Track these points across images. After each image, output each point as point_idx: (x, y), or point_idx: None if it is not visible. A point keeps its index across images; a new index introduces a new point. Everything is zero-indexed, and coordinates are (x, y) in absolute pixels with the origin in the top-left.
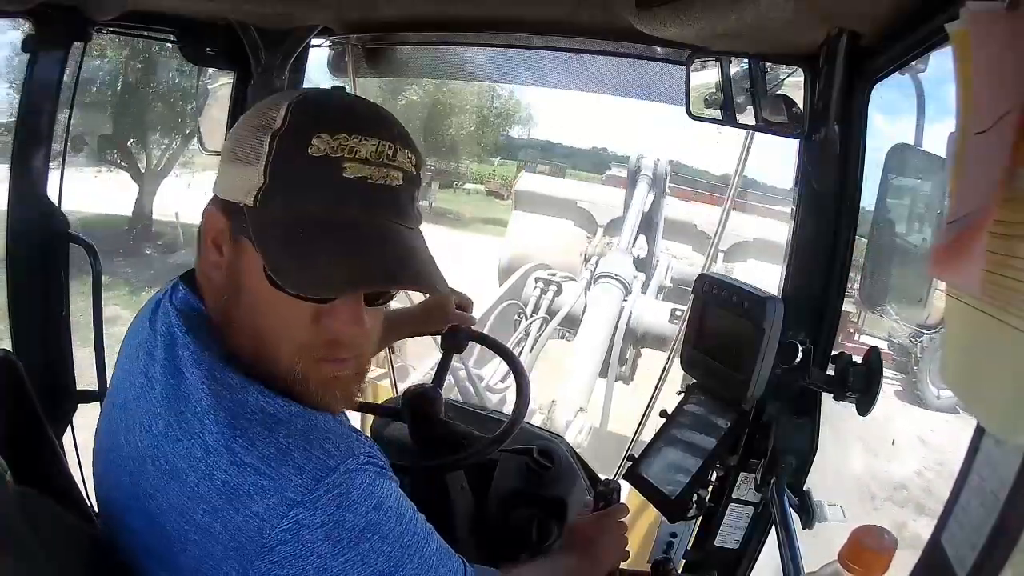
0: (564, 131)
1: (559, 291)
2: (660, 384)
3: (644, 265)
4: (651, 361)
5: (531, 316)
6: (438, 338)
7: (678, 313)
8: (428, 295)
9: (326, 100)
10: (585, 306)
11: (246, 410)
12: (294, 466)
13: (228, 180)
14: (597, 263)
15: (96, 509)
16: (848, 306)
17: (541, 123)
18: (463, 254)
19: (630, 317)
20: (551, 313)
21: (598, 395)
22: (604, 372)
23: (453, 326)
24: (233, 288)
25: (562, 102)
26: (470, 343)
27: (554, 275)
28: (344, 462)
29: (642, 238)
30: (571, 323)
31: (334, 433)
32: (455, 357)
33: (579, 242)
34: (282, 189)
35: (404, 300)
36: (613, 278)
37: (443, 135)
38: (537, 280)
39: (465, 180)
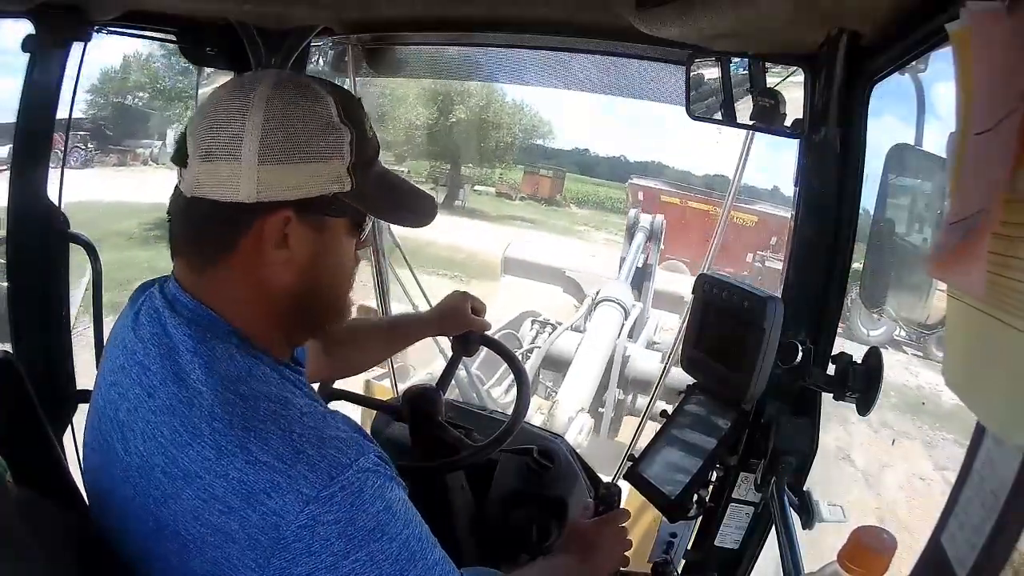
0: (564, 136)
1: (554, 331)
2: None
3: (636, 321)
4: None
5: (527, 353)
6: (440, 340)
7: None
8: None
9: (347, 93)
10: (585, 330)
11: (259, 413)
12: (308, 464)
13: (302, 179)
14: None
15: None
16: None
17: (543, 130)
18: (499, 241)
19: (624, 361)
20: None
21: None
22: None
23: (468, 332)
24: (315, 267)
25: (561, 108)
26: (481, 351)
27: (548, 319)
28: (356, 461)
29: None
30: (563, 366)
31: (345, 435)
32: (472, 364)
33: (567, 309)
34: (363, 168)
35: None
36: (614, 301)
37: (470, 148)
38: (533, 322)
39: (475, 183)
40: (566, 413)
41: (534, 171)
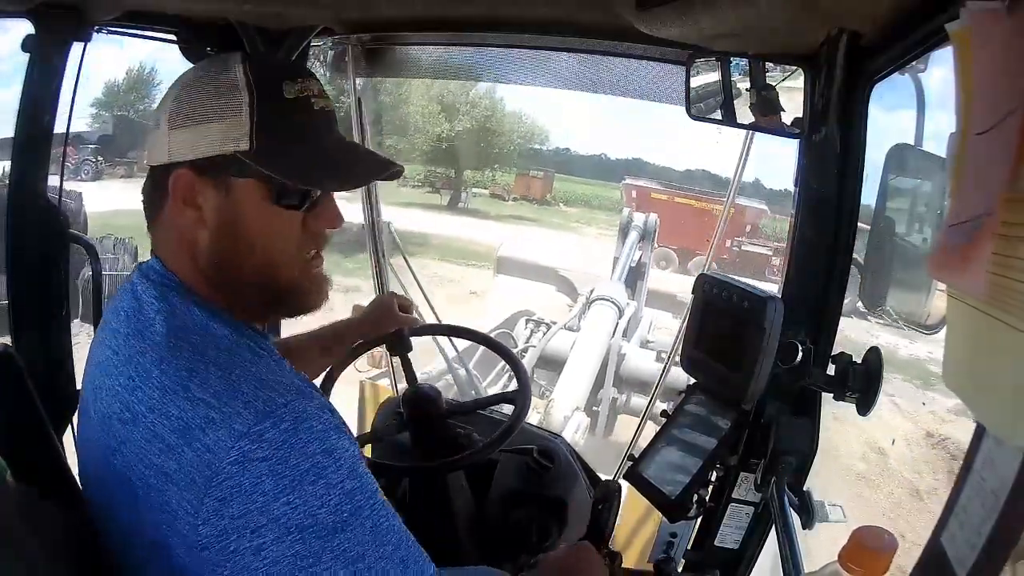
0: (556, 138)
1: (548, 331)
2: (657, 386)
3: (631, 320)
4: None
5: (522, 352)
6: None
7: (663, 355)
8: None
9: (268, 58)
10: (580, 328)
11: (204, 357)
12: (243, 400)
13: (198, 140)
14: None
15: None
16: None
17: (540, 135)
18: (507, 236)
19: (619, 359)
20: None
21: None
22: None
23: (398, 330)
24: (227, 227)
25: (550, 112)
26: (478, 349)
27: (543, 319)
28: (293, 401)
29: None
30: (558, 365)
31: (288, 381)
32: (455, 357)
33: (561, 308)
34: (270, 129)
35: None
36: (608, 300)
37: (475, 155)
38: (528, 321)
39: (471, 185)
40: (562, 412)
41: (525, 173)
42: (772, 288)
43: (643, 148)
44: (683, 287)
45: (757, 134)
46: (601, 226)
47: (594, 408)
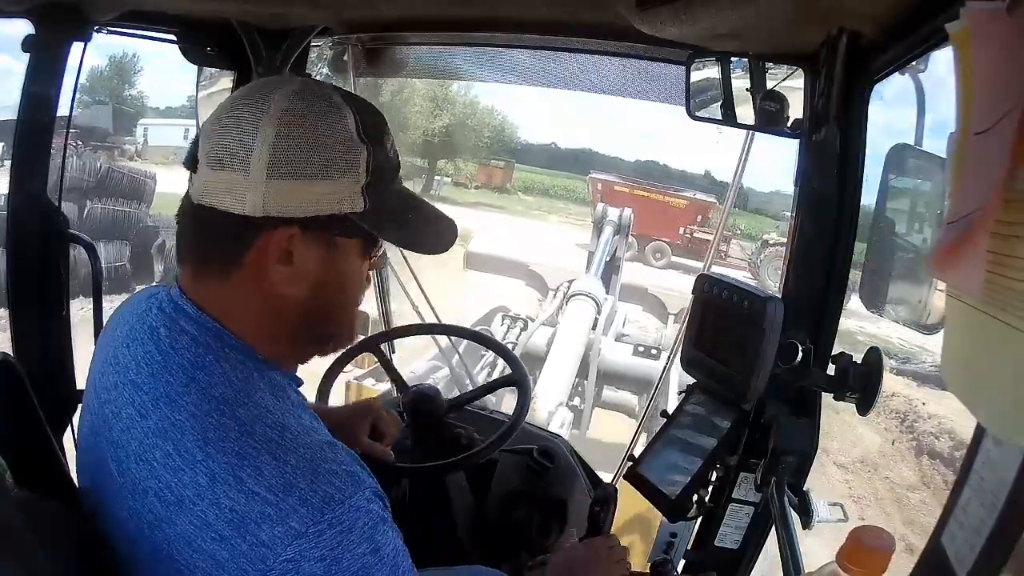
0: (516, 130)
1: (525, 327)
2: (658, 385)
3: (606, 312)
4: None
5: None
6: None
7: (640, 349)
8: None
9: (369, 108)
10: (558, 323)
11: (254, 439)
12: (300, 497)
13: (308, 195)
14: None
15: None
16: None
17: (509, 130)
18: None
19: (597, 354)
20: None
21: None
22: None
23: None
24: (328, 286)
25: (514, 106)
26: (461, 344)
27: (519, 314)
28: (350, 499)
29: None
30: (537, 361)
31: (341, 468)
32: (454, 357)
33: (532, 303)
34: (379, 188)
35: None
36: (586, 295)
37: (450, 148)
38: (504, 317)
39: (442, 174)
40: (546, 408)
41: (486, 163)
42: (723, 270)
43: (595, 140)
44: (653, 280)
45: (734, 133)
46: (562, 214)
47: (571, 403)
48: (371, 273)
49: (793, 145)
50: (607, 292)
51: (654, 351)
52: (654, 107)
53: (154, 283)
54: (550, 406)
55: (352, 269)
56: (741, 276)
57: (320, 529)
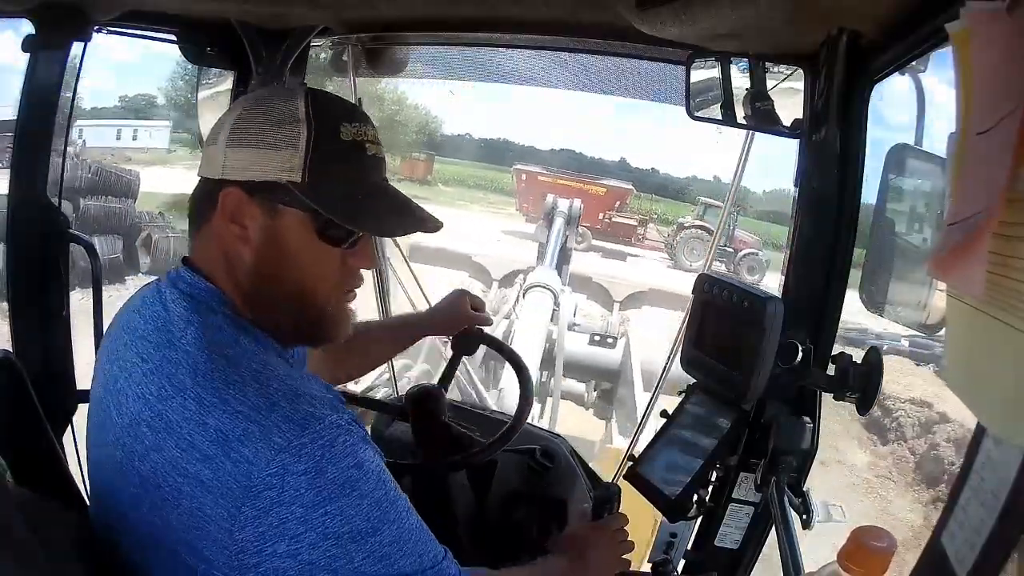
0: (438, 124)
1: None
2: (659, 384)
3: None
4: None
5: None
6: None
7: (596, 338)
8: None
9: (329, 97)
10: (517, 317)
11: (239, 370)
12: (282, 414)
13: (253, 162)
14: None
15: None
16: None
17: (433, 125)
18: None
19: (561, 347)
20: None
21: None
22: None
23: (467, 328)
24: (269, 248)
25: (437, 100)
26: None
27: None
28: (328, 416)
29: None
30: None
31: (320, 394)
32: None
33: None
34: (323, 166)
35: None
36: (544, 287)
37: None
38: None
39: None
40: (513, 402)
41: (408, 156)
42: (640, 251)
43: (511, 131)
44: (598, 269)
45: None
46: (484, 204)
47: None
48: (375, 272)
49: (707, 132)
50: (562, 282)
51: (610, 340)
52: (569, 96)
53: (141, 273)
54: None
55: (302, 244)
56: (658, 256)
57: (302, 443)
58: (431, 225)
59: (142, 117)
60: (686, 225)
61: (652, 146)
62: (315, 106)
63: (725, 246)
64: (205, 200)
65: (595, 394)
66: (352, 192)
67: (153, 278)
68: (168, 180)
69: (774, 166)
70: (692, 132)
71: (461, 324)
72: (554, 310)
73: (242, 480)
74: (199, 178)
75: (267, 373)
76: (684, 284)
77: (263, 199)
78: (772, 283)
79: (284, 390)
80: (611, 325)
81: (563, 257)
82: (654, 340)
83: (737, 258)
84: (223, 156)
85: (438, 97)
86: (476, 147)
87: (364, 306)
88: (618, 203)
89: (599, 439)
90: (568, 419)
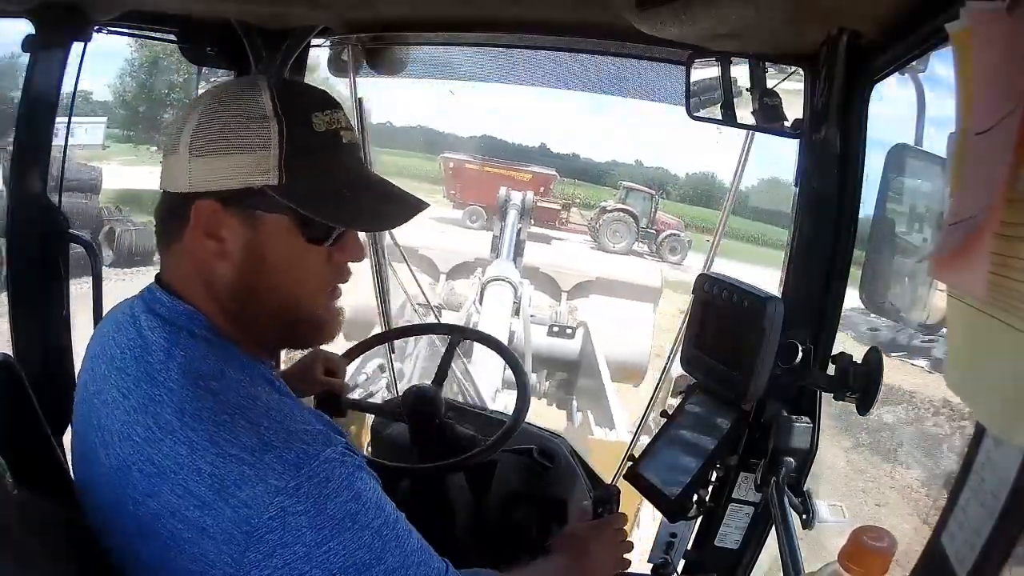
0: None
1: (439, 315)
2: (660, 384)
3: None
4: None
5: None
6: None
7: (555, 329)
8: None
9: (294, 85)
10: (478, 311)
11: (227, 407)
12: (275, 455)
13: (222, 170)
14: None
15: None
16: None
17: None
18: None
19: (511, 336)
20: None
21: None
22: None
23: (328, 392)
24: (252, 262)
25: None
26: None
27: (429, 302)
28: (322, 452)
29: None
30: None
31: (311, 427)
32: (455, 355)
33: (426, 288)
34: (300, 163)
35: None
36: (503, 280)
37: None
38: (416, 308)
39: None
40: (487, 396)
41: None
42: (564, 234)
43: (431, 119)
44: (545, 260)
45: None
46: (421, 194)
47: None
48: (374, 271)
49: (627, 118)
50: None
51: (568, 330)
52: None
53: (106, 266)
54: (489, 393)
55: (284, 248)
56: (581, 239)
57: (299, 483)
58: (419, 206)
59: (79, 114)
60: (609, 209)
61: (573, 132)
62: (282, 99)
63: (648, 227)
64: (172, 216)
65: (547, 383)
66: (335, 186)
67: (117, 271)
68: (107, 176)
69: (697, 152)
70: (611, 118)
71: (314, 389)
72: (515, 303)
73: (243, 526)
74: (162, 192)
75: (256, 409)
76: (623, 270)
77: (239, 208)
78: (695, 264)
79: (275, 428)
80: (560, 315)
81: (518, 249)
82: (604, 329)
83: (660, 239)
84: (187, 167)
85: (362, 87)
86: (398, 135)
87: (366, 306)
88: (543, 188)
89: (563, 428)
90: (508, 404)
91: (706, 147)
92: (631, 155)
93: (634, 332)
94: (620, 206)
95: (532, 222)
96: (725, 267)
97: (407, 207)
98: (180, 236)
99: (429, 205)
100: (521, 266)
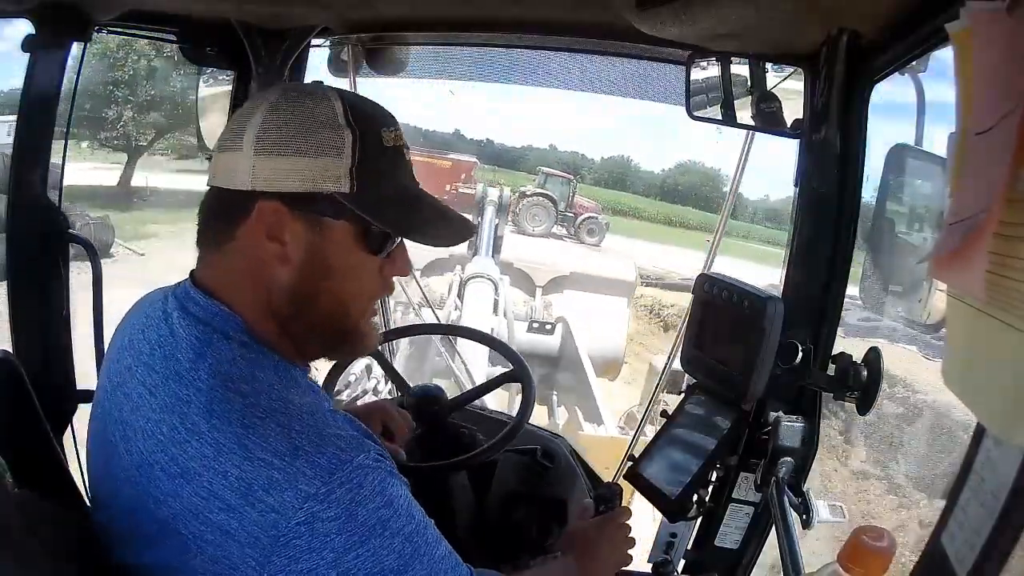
0: None
1: (418, 312)
2: (660, 383)
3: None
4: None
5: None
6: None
7: (535, 325)
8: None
9: (362, 99)
10: (459, 308)
11: (257, 410)
12: (307, 460)
13: (291, 172)
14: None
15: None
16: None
17: None
18: None
19: (511, 339)
20: None
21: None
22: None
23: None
24: (314, 267)
25: None
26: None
27: (412, 300)
28: (356, 458)
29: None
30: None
31: (345, 433)
32: (455, 354)
33: (398, 288)
34: (370, 173)
35: None
36: (484, 277)
37: None
38: (396, 305)
39: None
40: (480, 380)
41: None
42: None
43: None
44: (520, 255)
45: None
46: None
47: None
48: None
49: (539, 104)
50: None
51: (548, 326)
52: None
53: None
54: (481, 378)
55: (352, 260)
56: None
57: (330, 489)
58: (470, 229)
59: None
60: (528, 193)
61: (486, 118)
62: (354, 110)
63: (567, 211)
64: (226, 214)
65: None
66: (400, 200)
67: (79, 263)
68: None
69: (610, 139)
70: (523, 104)
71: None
72: (495, 299)
73: (269, 530)
74: (210, 188)
75: (288, 412)
76: (597, 265)
77: (305, 212)
78: (613, 245)
79: (307, 432)
80: (536, 310)
81: (495, 246)
82: (580, 324)
83: (578, 222)
84: (250, 164)
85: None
86: None
87: None
88: (464, 175)
89: (545, 424)
90: (503, 403)
91: (619, 132)
92: (545, 140)
93: (610, 326)
94: (539, 191)
95: (509, 218)
96: (698, 259)
97: (462, 227)
98: (232, 235)
99: (477, 229)
100: (498, 262)
